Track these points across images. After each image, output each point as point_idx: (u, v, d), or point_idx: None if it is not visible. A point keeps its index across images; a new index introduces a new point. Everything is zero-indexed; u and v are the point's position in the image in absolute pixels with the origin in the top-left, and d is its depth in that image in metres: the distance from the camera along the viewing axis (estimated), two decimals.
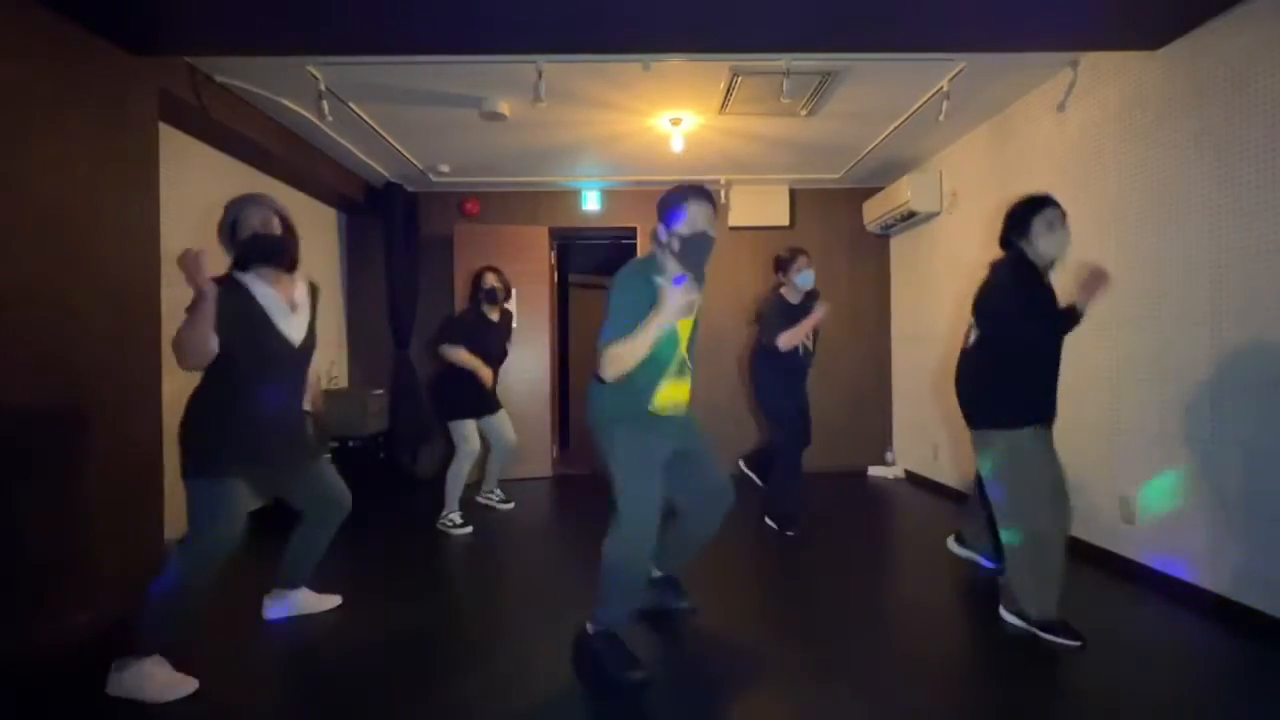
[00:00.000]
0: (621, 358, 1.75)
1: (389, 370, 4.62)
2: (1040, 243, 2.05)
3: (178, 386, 2.85)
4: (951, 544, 2.78)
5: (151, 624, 1.80)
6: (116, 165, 2.29)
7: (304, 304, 2.01)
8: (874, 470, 4.84)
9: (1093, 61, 2.75)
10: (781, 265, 3.25)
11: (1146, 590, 2.40)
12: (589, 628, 1.87)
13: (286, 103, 3.15)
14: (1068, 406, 2.88)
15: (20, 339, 1.94)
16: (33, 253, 1.98)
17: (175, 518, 2.72)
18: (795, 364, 3.25)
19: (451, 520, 3.44)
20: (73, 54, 2.12)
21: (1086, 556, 2.75)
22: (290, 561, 2.27)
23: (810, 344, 3.29)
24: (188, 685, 1.80)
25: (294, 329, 1.97)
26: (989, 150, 3.58)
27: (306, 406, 2.17)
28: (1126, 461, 2.59)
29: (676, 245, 1.84)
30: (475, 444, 3.51)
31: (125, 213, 2.32)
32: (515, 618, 2.26)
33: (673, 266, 1.86)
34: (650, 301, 1.76)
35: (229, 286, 1.83)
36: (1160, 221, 2.44)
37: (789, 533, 3.26)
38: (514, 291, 3.88)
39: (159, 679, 1.78)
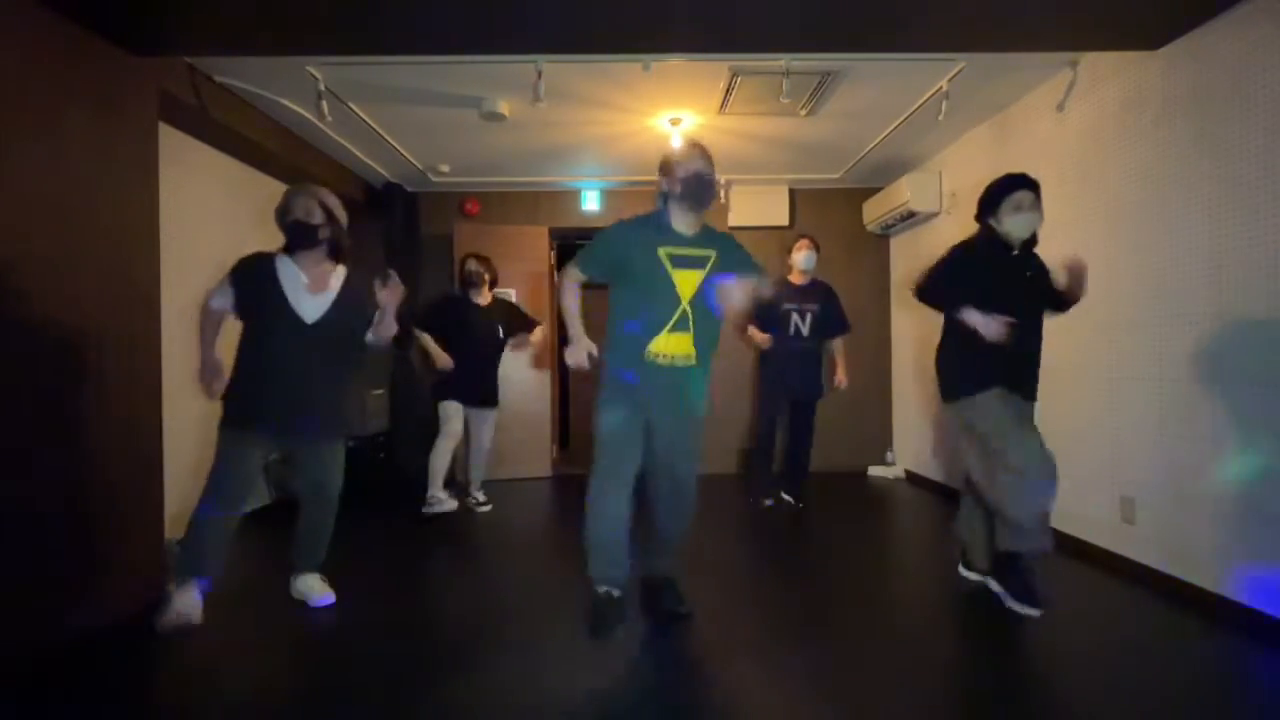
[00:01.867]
0: (564, 291, 2.12)
1: (389, 370, 4.62)
2: (1007, 222, 2.17)
3: (178, 385, 2.85)
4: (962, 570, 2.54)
5: (185, 551, 2.13)
6: (116, 165, 2.28)
7: (334, 288, 2.21)
8: (874, 470, 4.84)
9: (1093, 61, 2.75)
10: (787, 250, 3.69)
11: (1146, 590, 2.40)
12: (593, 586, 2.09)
13: (286, 103, 3.15)
14: (1068, 406, 2.90)
15: (21, 339, 1.94)
16: (32, 253, 1.97)
17: (175, 518, 2.72)
18: (785, 342, 3.55)
19: (435, 498, 3.55)
20: (72, 54, 2.12)
21: (1087, 556, 2.76)
22: (295, 546, 2.38)
23: (804, 326, 3.56)
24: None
25: (309, 309, 2.14)
26: (989, 150, 3.58)
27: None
28: (1126, 461, 2.59)
29: (679, 188, 2.01)
30: (456, 426, 3.61)
31: (125, 212, 2.32)
32: (513, 617, 2.25)
33: (680, 219, 2.05)
34: (644, 247, 2.00)
35: (257, 264, 2.14)
36: (1160, 221, 2.44)
37: (766, 502, 3.71)
38: (494, 282, 3.80)
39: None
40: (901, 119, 3.53)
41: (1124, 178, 2.61)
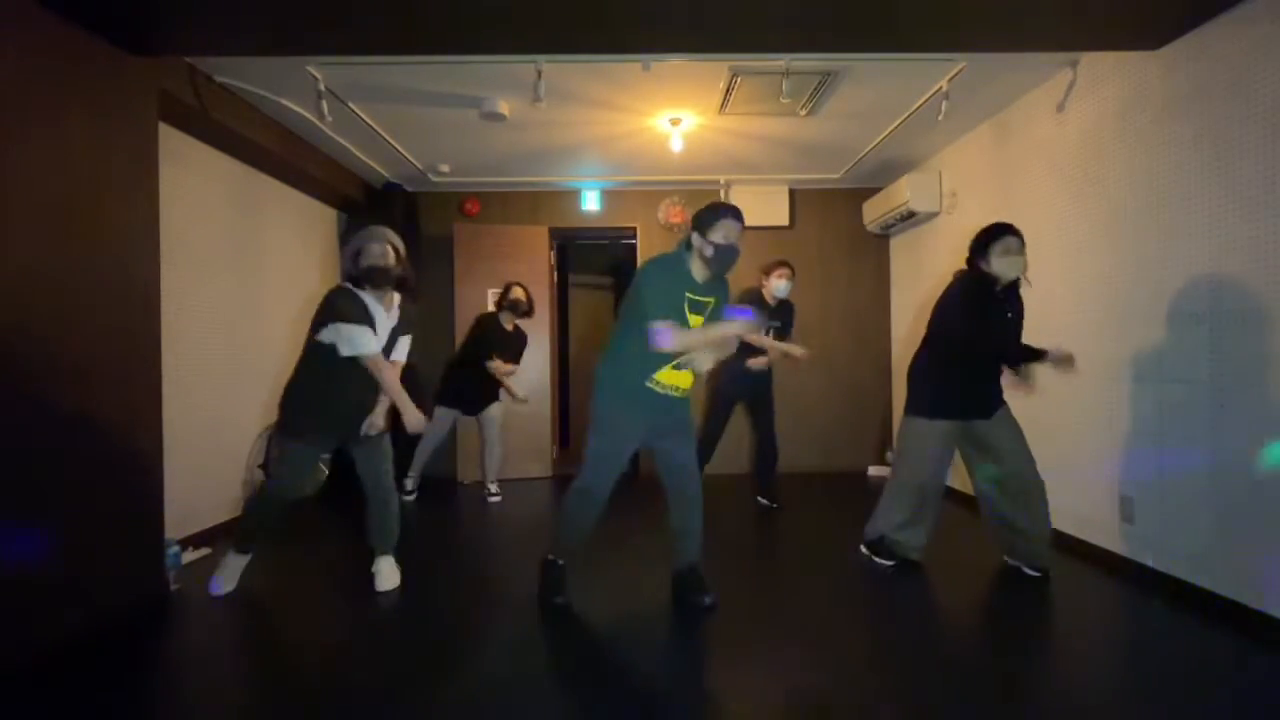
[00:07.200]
0: (678, 340, 2.07)
1: None
2: (996, 264, 2.38)
3: (178, 385, 2.85)
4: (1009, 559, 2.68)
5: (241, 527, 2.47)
6: (116, 165, 2.28)
7: (394, 316, 2.50)
8: (874, 470, 4.84)
9: (1093, 61, 2.75)
10: (765, 270, 3.64)
11: (1146, 590, 2.40)
12: (549, 554, 2.37)
13: (286, 103, 3.15)
14: (1068, 406, 2.90)
15: (20, 339, 1.94)
16: (33, 253, 1.97)
17: (175, 517, 2.73)
18: (746, 352, 3.55)
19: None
20: (72, 54, 2.11)
21: (1087, 556, 2.76)
22: (370, 532, 2.58)
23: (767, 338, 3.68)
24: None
25: (383, 334, 2.41)
26: (988, 150, 3.58)
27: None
28: (1126, 461, 2.59)
29: (709, 251, 2.11)
30: (433, 428, 3.93)
31: (125, 213, 2.31)
32: (510, 616, 2.26)
33: (698, 269, 2.17)
34: (677, 294, 2.12)
35: (356, 300, 2.32)
36: (1160, 221, 2.44)
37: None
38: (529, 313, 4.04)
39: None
40: (901, 119, 3.53)
41: (1124, 178, 2.60)
